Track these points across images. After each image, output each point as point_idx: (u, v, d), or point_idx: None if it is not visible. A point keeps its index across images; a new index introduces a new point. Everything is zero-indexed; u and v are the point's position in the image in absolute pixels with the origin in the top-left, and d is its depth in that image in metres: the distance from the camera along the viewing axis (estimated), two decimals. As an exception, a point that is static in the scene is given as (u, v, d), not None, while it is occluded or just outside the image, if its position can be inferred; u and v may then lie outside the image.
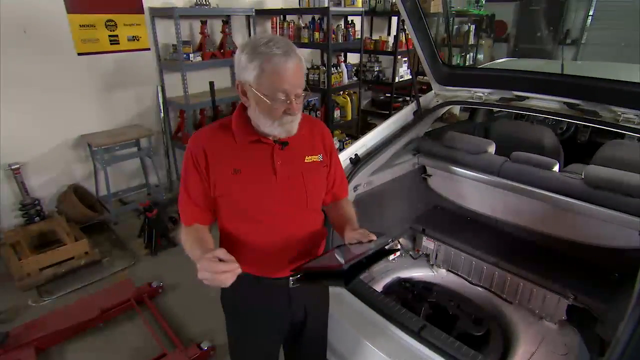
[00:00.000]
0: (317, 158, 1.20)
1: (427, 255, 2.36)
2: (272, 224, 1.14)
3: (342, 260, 0.98)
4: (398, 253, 2.38)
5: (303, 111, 1.14)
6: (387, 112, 4.87)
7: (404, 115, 2.27)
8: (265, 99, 1.01)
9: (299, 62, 1.03)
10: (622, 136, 2.81)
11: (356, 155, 1.96)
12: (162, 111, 3.96)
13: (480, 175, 2.08)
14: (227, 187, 1.11)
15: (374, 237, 1.08)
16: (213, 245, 1.09)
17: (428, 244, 2.32)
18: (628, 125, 1.61)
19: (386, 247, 1.09)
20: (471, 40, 5.87)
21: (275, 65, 0.98)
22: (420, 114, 2.23)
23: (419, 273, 2.29)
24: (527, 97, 1.94)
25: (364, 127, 4.89)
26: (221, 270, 0.90)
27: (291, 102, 1.02)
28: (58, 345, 2.30)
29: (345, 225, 1.19)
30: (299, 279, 1.05)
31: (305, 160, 1.17)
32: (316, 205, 1.24)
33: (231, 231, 1.18)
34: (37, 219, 3.24)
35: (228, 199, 1.12)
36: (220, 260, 0.92)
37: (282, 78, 0.99)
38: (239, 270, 0.92)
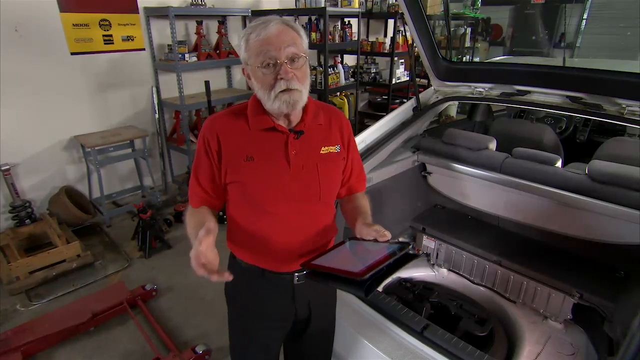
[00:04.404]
0: (334, 149, 1.15)
1: (428, 255, 2.31)
2: (282, 216, 1.10)
3: (360, 266, 0.89)
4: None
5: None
6: (384, 114, 4.85)
7: (403, 111, 2.23)
8: (256, 70, 0.99)
9: (285, 26, 0.99)
10: (623, 134, 2.80)
11: (355, 151, 1.92)
12: (157, 112, 3.91)
13: (482, 172, 2.04)
14: (238, 175, 1.07)
15: (389, 236, 1.02)
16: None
17: (428, 243, 2.27)
18: (633, 118, 1.57)
19: (410, 252, 1.00)
20: (467, 43, 5.90)
21: (258, 32, 0.98)
22: (419, 110, 2.19)
23: (420, 273, 2.24)
24: (529, 92, 1.91)
25: (361, 129, 4.85)
26: (200, 273, 0.87)
27: (282, 65, 0.97)
28: (46, 350, 2.22)
29: (359, 219, 1.13)
30: (307, 275, 0.99)
31: (321, 152, 1.12)
32: (329, 199, 1.19)
33: (239, 220, 1.14)
34: (27, 221, 3.17)
35: (238, 186, 1.09)
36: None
37: (264, 41, 0.97)
38: (215, 279, 0.87)
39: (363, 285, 0.87)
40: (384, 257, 0.94)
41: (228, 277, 0.87)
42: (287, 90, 0.99)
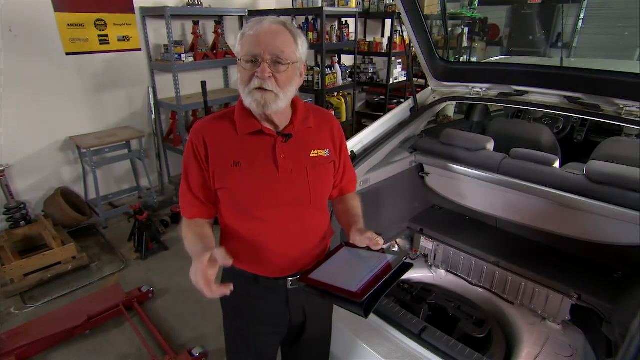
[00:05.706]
0: (324, 153, 1.13)
1: (426, 256, 2.30)
2: (273, 221, 1.08)
3: (358, 282, 0.89)
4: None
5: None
6: (382, 114, 4.84)
7: (400, 111, 2.22)
8: (240, 63, 0.99)
9: (280, 27, 0.98)
10: (620, 134, 2.80)
11: (352, 152, 1.91)
12: (153, 112, 3.89)
13: (479, 173, 2.03)
14: (226, 180, 1.05)
15: (382, 243, 1.01)
16: (213, 243, 1.04)
17: (426, 244, 2.26)
18: (631, 118, 1.57)
19: (406, 262, 0.99)
20: (464, 43, 5.90)
21: (249, 29, 0.98)
22: (417, 110, 2.18)
23: (418, 274, 2.23)
24: (526, 92, 1.90)
25: (358, 129, 4.84)
26: (201, 287, 0.88)
27: (262, 63, 0.96)
28: (41, 354, 2.20)
29: (352, 223, 1.13)
30: (304, 289, 0.99)
31: (311, 155, 1.10)
32: (321, 203, 1.17)
33: (230, 227, 1.12)
34: (22, 223, 3.14)
35: (227, 192, 1.07)
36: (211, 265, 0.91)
37: (254, 37, 0.96)
38: (217, 295, 0.88)
39: (362, 306, 0.87)
40: (381, 271, 0.93)
41: (227, 290, 0.89)
42: (261, 89, 0.97)
